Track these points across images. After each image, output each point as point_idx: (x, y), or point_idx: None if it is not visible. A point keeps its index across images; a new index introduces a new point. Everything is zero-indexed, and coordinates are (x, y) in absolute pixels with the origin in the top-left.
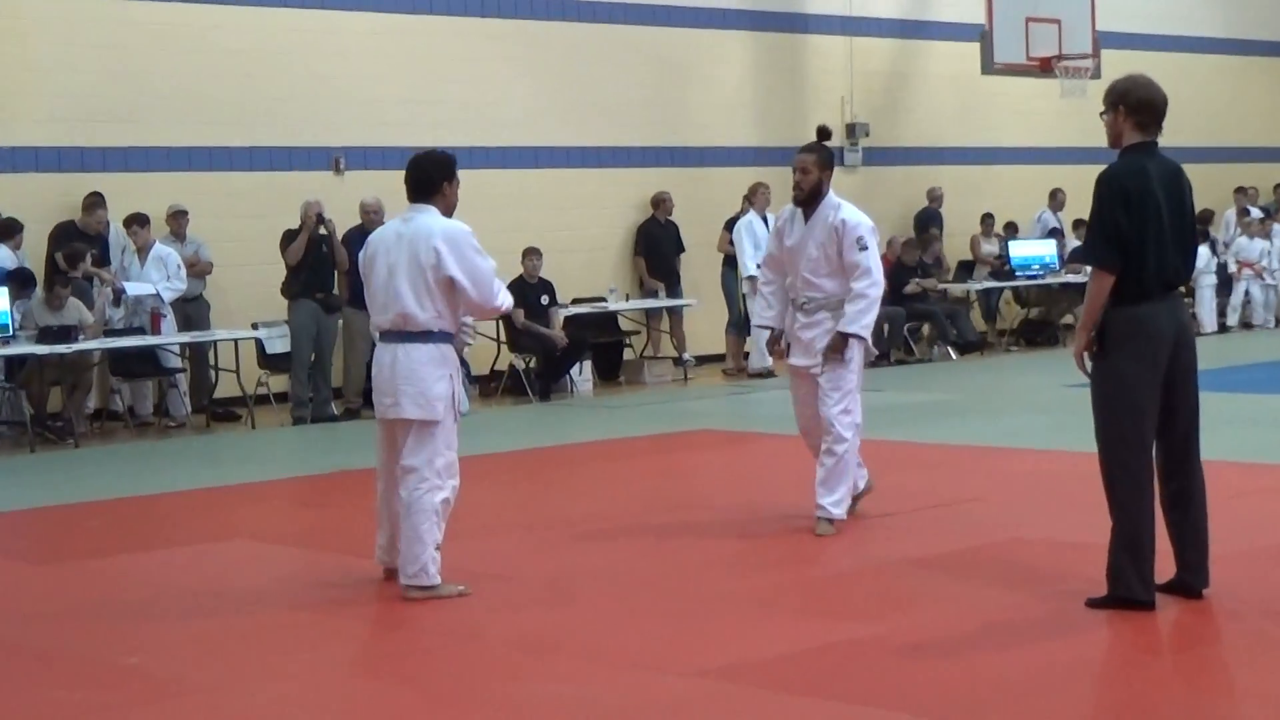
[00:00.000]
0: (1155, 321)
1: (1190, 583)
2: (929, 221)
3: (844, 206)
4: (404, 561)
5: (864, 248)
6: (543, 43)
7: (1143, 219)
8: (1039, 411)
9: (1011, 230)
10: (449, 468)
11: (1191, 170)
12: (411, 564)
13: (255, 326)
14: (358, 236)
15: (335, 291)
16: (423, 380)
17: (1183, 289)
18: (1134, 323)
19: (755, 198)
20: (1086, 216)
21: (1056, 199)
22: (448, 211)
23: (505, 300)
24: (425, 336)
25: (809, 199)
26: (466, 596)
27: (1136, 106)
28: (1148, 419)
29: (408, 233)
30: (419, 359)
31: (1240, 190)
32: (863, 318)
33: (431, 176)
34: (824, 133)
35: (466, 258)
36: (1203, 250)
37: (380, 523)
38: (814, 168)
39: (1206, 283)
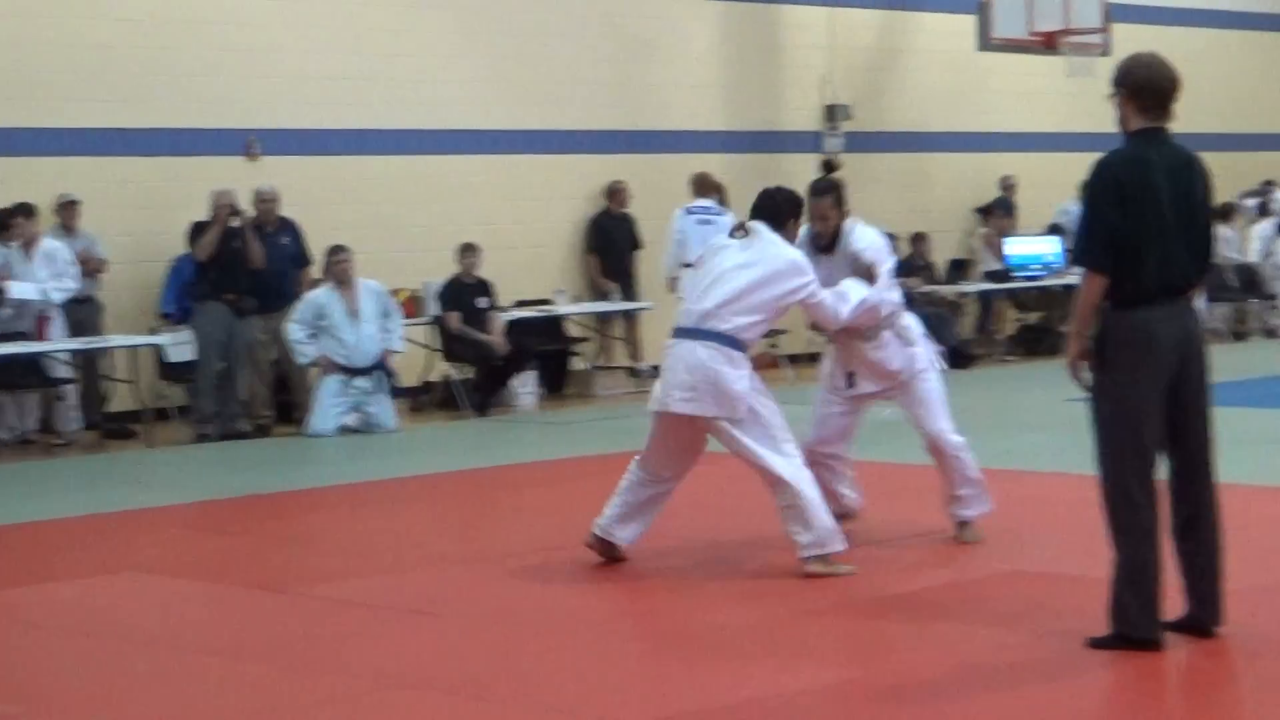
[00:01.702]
0: (1158, 329)
1: (1202, 619)
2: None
3: (856, 229)
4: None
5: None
6: (484, 13)
7: (1140, 215)
8: (1038, 429)
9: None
10: None
11: (1213, 160)
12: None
13: (155, 332)
14: (253, 230)
15: (249, 293)
16: None
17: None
18: (1133, 330)
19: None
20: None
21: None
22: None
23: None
24: None
25: (831, 244)
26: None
27: (1137, 88)
28: (1150, 437)
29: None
30: None
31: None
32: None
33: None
34: (830, 166)
35: None
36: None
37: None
38: (833, 213)
39: None
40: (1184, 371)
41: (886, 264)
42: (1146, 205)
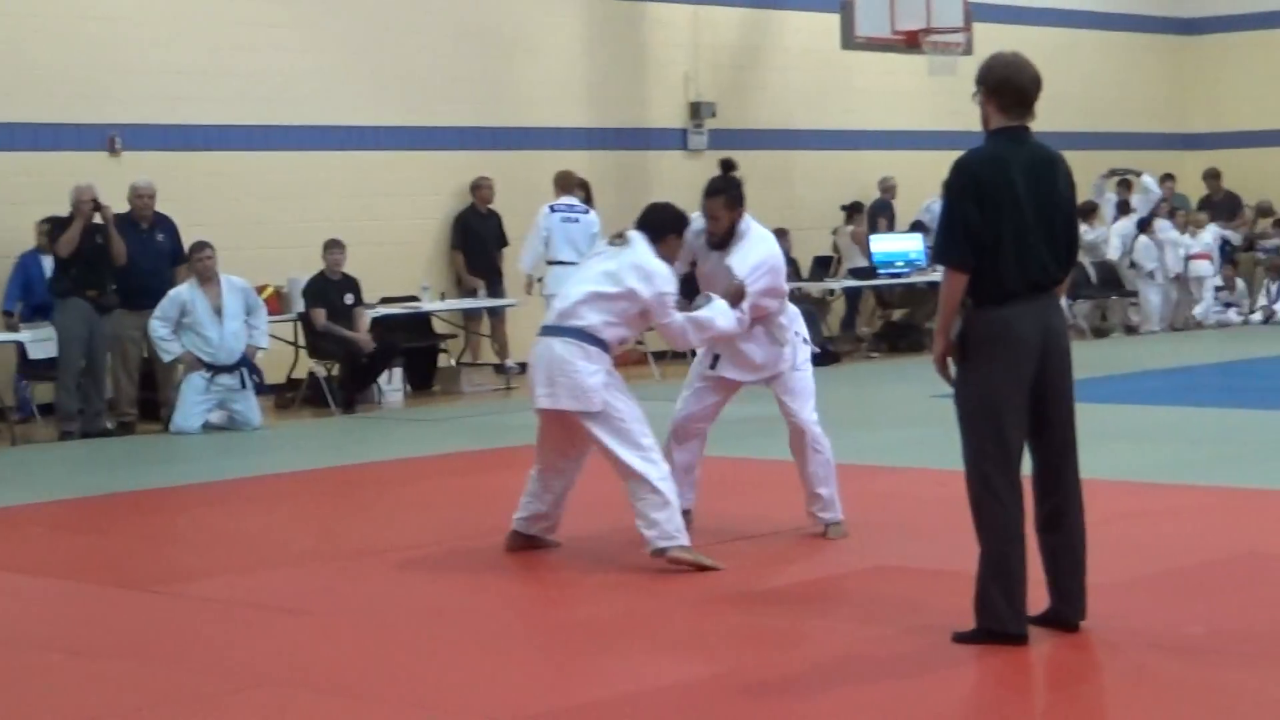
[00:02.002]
0: (1019, 325)
1: (1066, 613)
2: (878, 213)
3: (748, 236)
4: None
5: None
6: (351, 9)
7: (998, 212)
8: (903, 425)
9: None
10: None
11: (1071, 159)
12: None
13: (16, 328)
14: (125, 225)
15: (111, 289)
16: None
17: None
18: (995, 326)
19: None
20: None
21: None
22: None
23: None
24: None
25: (723, 242)
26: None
27: (997, 87)
28: (1012, 432)
29: None
30: None
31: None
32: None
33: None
34: (728, 165)
35: None
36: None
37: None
38: (724, 213)
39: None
40: (1047, 367)
41: (756, 286)
42: (1004, 203)
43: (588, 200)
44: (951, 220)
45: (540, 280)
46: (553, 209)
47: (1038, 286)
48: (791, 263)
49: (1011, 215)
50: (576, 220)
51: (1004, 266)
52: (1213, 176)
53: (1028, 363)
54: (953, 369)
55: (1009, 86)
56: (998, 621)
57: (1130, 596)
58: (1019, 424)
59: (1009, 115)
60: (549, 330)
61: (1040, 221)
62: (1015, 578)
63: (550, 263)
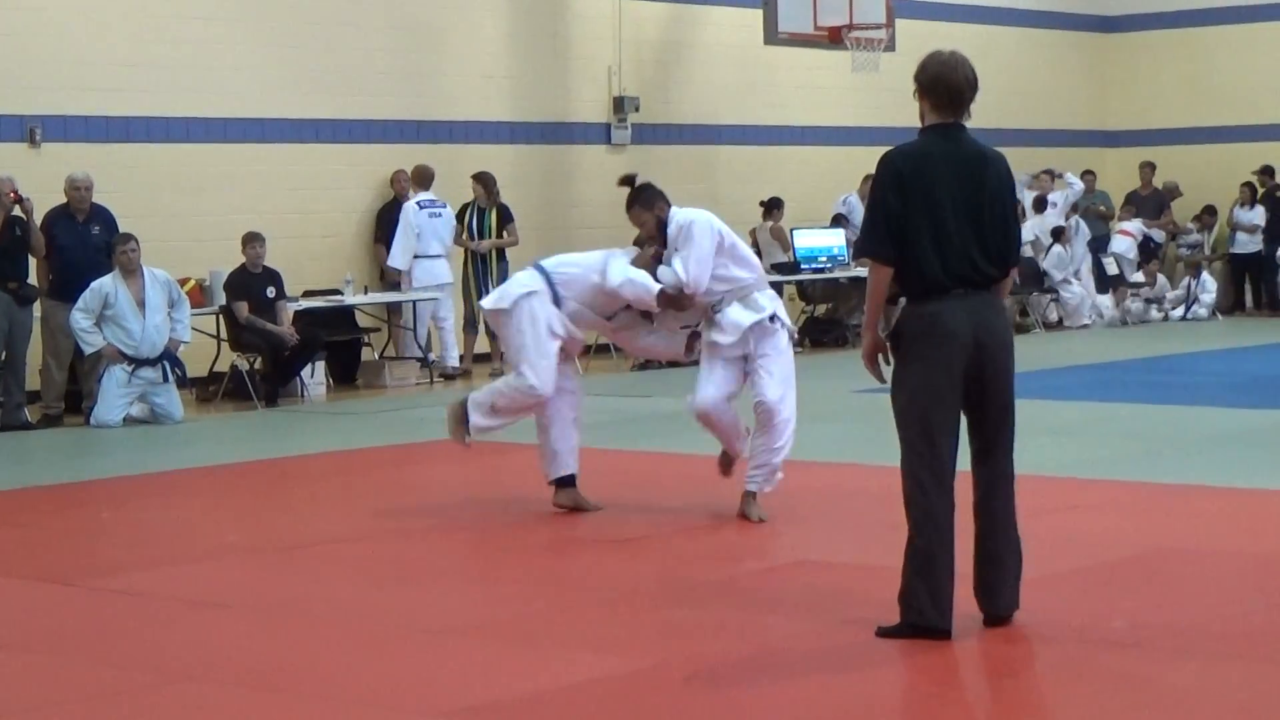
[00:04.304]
0: (947, 321)
1: (994, 607)
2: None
3: (674, 220)
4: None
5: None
6: (272, 1)
7: (919, 208)
8: (827, 420)
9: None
10: None
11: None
12: None
13: None
14: (61, 217)
15: (31, 281)
16: None
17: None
18: (922, 321)
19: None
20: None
21: (868, 185)
22: None
23: None
24: None
25: (662, 238)
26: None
27: (929, 85)
28: (940, 426)
29: None
30: None
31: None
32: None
33: None
34: (627, 180)
35: None
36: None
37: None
38: (646, 215)
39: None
40: (982, 364)
41: (702, 283)
42: (925, 197)
43: (495, 194)
44: (873, 214)
45: (407, 273)
46: (420, 205)
47: (967, 282)
48: None
49: (932, 210)
50: (439, 215)
51: (925, 261)
52: (1146, 167)
53: (958, 359)
54: (881, 365)
55: (941, 85)
56: (921, 616)
57: (1054, 591)
58: (949, 421)
59: (941, 113)
60: None
61: (966, 218)
62: (940, 573)
63: (418, 256)
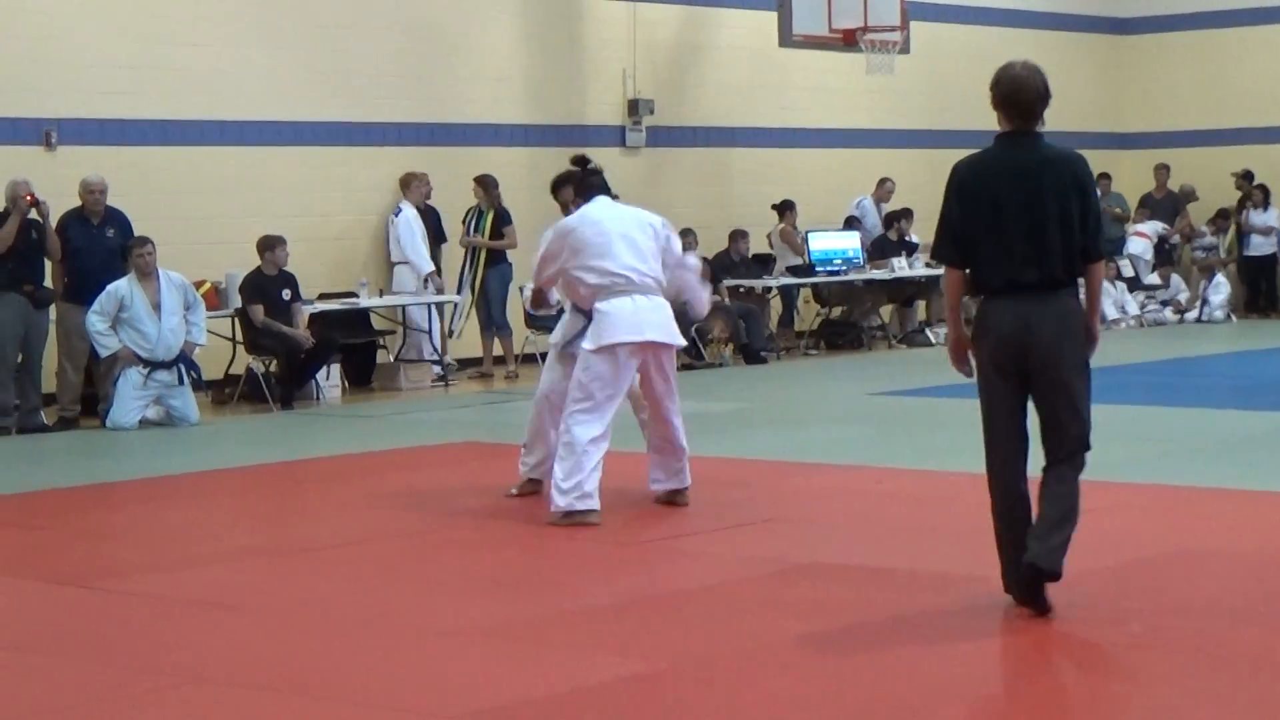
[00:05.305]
0: (995, 320)
1: (1025, 553)
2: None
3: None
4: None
5: None
6: (286, 3)
7: (976, 214)
8: (841, 422)
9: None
10: None
11: None
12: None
13: None
14: (76, 220)
15: (47, 284)
16: None
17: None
18: (980, 319)
19: (409, 189)
20: (904, 207)
21: (884, 187)
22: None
23: None
24: None
25: None
26: None
27: (1002, 97)
28: (997, 416)
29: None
30: None
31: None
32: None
33: None
34: (579, 160)
35: None
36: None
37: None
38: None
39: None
40: (1030, 362)
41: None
42: (981, 205)
43: (496, 197)
44: (941, 221)
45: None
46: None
47: (1025, 284)
48: (744, 262)
49: (990, 216)
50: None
51: (986, 264)
52: (1161, 170)
53: (1007, 355)
54: (968, 362)
55: (1014, 97)
56: (1006, 587)
57: (1070, 593)
58: (1001, 408)
59: (1012, 122)
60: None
61: (1024, 223)
62: (1007, 548)
63: (400, 263)
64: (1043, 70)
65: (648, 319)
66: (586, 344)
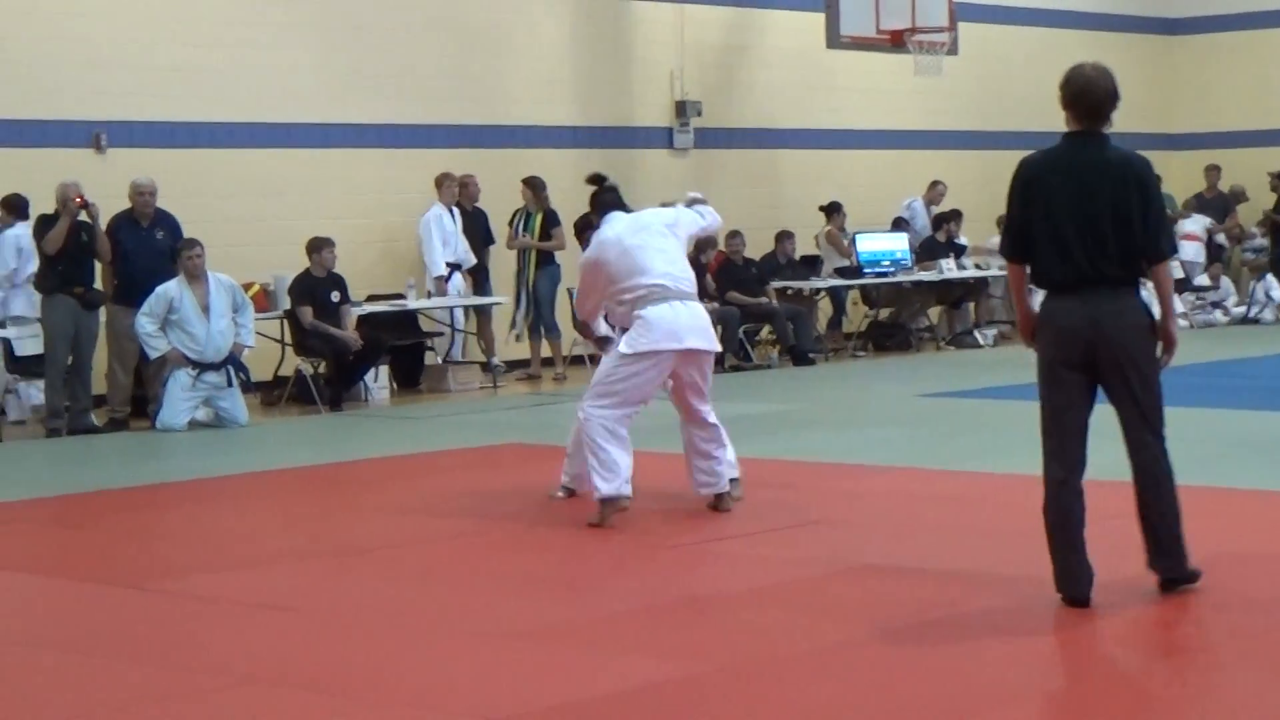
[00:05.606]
0: (1061, 316)
1: (1151, 565)
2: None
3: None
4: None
5: None
6: (333, 5)
7: (1040, 212)
8: (889, 424)
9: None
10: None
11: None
12: None
13: (3, 325)
14: (126, 223)
15: (97, 286)
16: None
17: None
18: (1044, 315)
19: (442, 189)
20: (953, 209)
21: (936, 190)
22: None
23: None
24: None
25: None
26: None
27: (1072, 98)
28: (1058, 410)
29: None
30: None
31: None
32: None
33: None
34: (595, 179)
35: None
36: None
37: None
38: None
39: None
40: (1098, 354)
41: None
42: (1045, 201)
43: (544, 199)
44: (1006, 217)
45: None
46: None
47: (1086, 280)
48: (791, 264)
49: (1051, 214)
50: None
51: (1047, 261)
52: (1212, 170)
53: (1074, 351)
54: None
55: (1083, 98)
56: (1056, 583)
57: (1118, 596)
58: (1062, 404)
59: (1079, 123)
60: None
61: (1084, 222)
62: (1061, 545)
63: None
64: (1112, 73)
65: (686, 324)
66: (623, 347)
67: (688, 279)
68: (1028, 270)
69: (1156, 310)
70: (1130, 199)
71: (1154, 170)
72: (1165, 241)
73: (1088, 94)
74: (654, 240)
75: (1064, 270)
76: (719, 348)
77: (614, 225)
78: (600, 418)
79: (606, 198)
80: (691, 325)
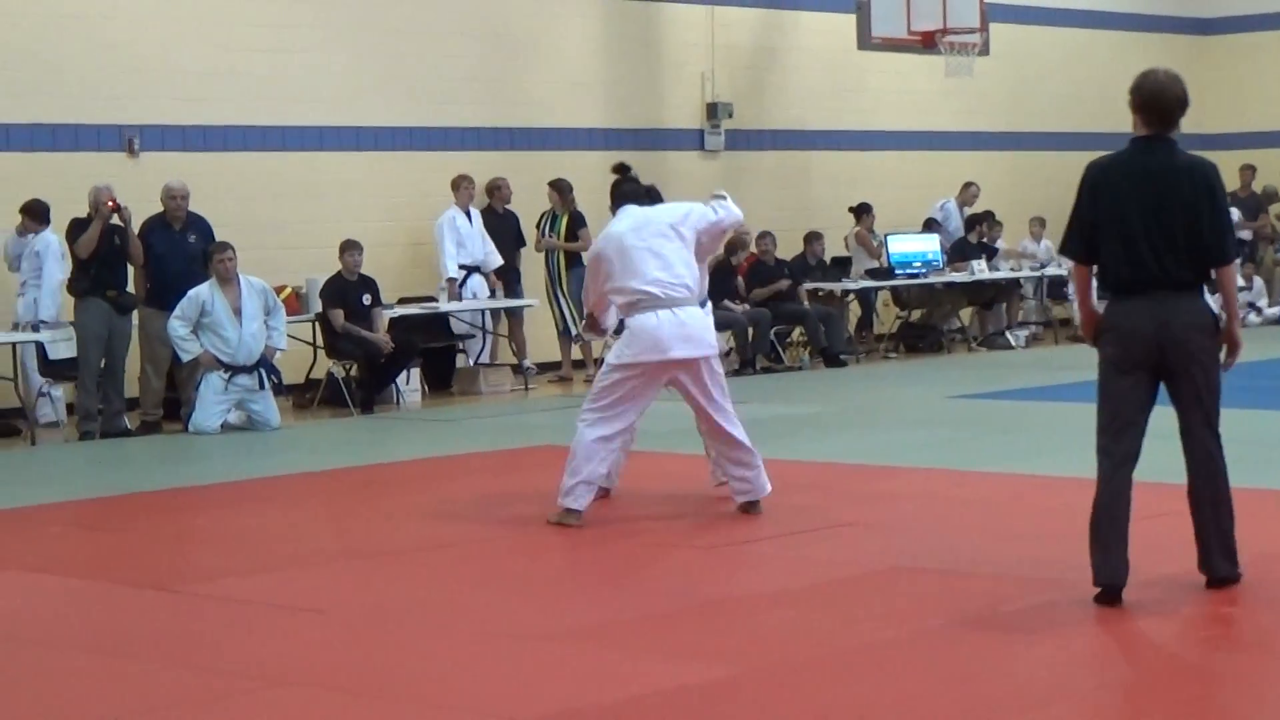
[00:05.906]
0: (1126, 318)
1: (1202, 566)
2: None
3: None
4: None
5: None
6: (364, 8)
7: (1108, 214)
8: (921, 426)
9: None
10: None
11: (1087, 159)
12: None
13: (36, 328)
14: (158, 226)
15: (129, 289)
16: None
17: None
18: (1109, 317)
19: (458, 191)
20: (986, 210)
21: (969, 191)
22: None
23: None
24: None
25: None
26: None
27: (1142, 103)
28: (1118, 411)
29: None
30: None
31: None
32: None
33: None
34: (620, 169)
35: None
36: None
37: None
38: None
39: None
40: (1164, 356)
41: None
42: (1112, 204)
43: (570, 201)
44: (1071, 217)
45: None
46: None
47: (1153, 283)
48: (820, 265)
49: (1119, 217)
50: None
51: (1113, 262)
52: (1246, 170)
53: (1141, 353)
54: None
55: (1154, 103)
56: (1093, 573)
57: (1155, 595)
58: (1122, 404)
59: (1149, 127)
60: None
61: (1152, 225)
62: (1106, 535)
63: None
64: (1182, 79)
65: (671, 334)
66: (610, 357)
67: (683, 283)
68: (1093, 271)
69: (1220, 312)
70: (1200, 203)
71: (1220, 175)
72: (1231, 245)
73: (1160, 99)
74: (653, 242)
75: (1132, 272)
76: (714, 350)
77: (621, 221)
78: (583, 424)
79: (625, 188)
80: (676, 334)
